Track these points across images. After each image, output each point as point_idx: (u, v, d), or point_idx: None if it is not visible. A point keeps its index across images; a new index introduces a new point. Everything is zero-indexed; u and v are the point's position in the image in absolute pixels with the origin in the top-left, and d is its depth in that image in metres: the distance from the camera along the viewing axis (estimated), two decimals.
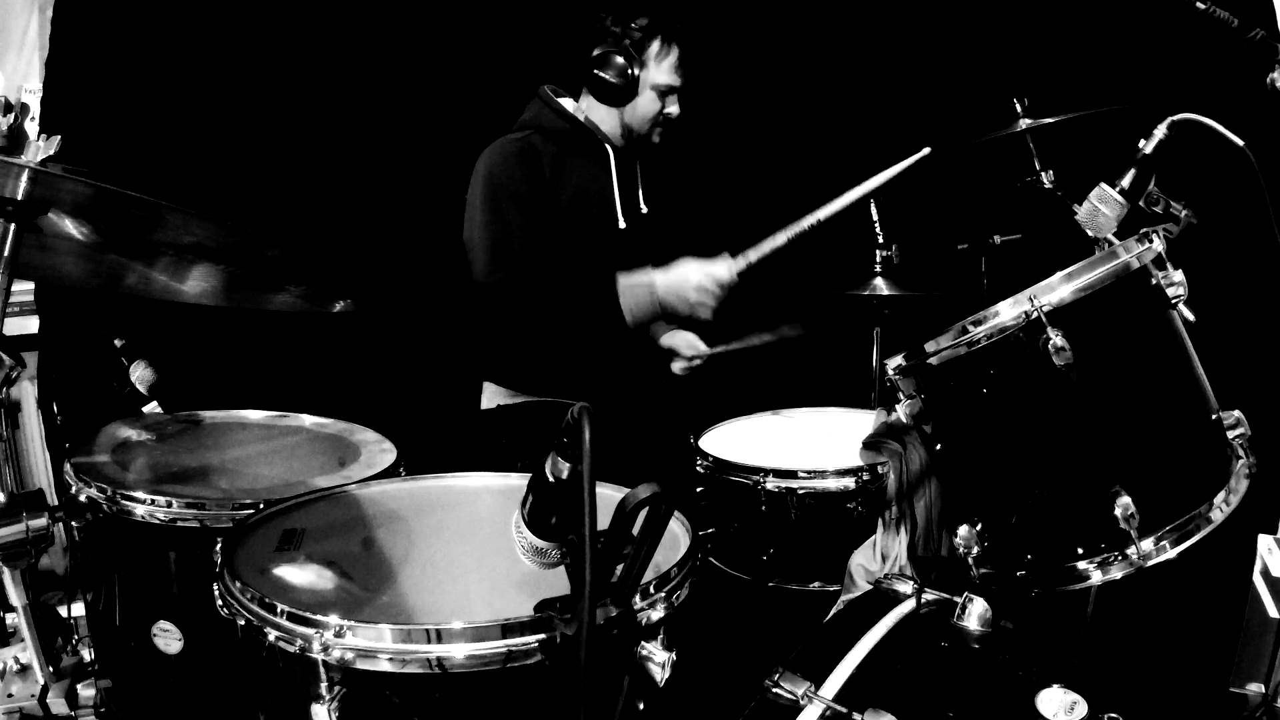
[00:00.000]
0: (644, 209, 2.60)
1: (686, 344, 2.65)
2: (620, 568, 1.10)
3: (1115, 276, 1.51)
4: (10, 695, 1.65)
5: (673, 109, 2.48)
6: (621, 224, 2.51)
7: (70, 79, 2.83)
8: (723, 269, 2.27)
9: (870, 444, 2.01)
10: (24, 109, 1.74)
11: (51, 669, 1.69)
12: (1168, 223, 1.63)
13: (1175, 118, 1.62)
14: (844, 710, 1.27)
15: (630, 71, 2.40)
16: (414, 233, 3.19)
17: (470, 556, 1.54)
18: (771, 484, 2.22)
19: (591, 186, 2.48)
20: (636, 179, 2.61)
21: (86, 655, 1.80)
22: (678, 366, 2.66)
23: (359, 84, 3.18)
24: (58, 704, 1.65)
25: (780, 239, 2.26)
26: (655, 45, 2.42)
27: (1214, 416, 1.56)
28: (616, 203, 2.50)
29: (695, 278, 2.27)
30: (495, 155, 2.40)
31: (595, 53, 2.41)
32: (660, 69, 2.44)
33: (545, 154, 2.42)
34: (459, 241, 2.42)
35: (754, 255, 2.27)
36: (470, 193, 2.40)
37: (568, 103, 2.52)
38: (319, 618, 1.23)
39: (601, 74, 2.42)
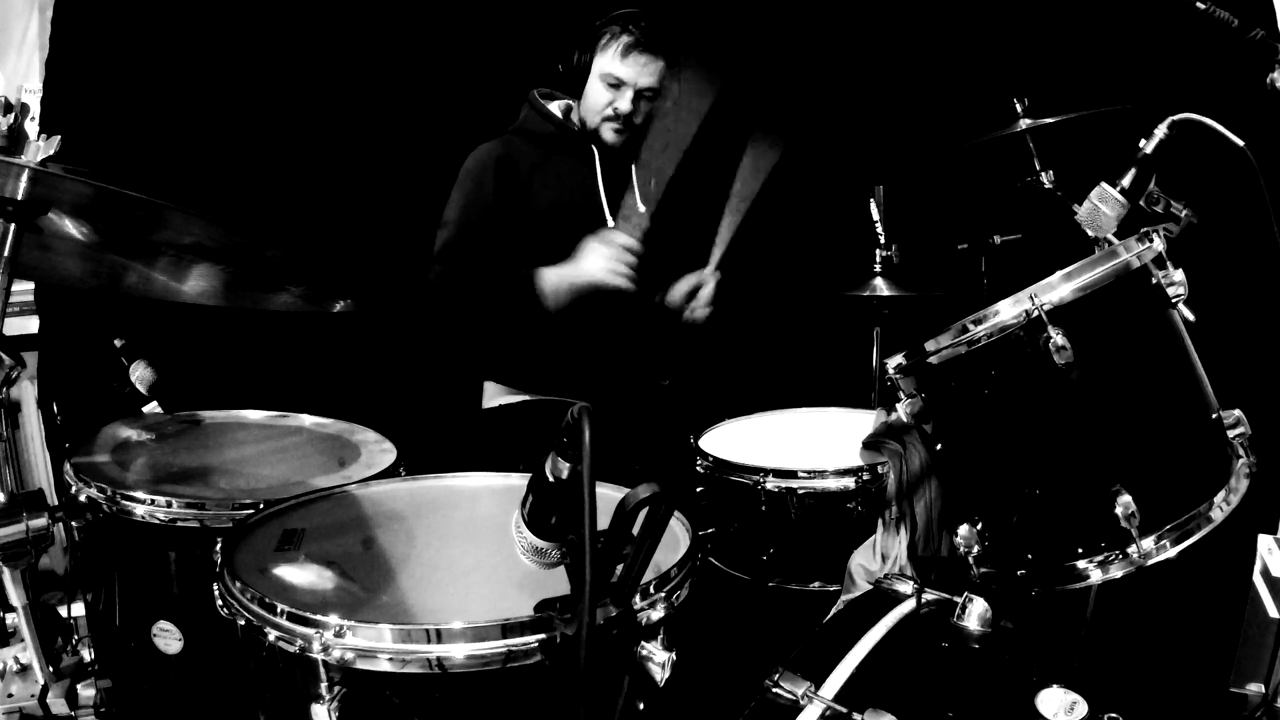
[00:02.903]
0: (640, 208, 2.59)
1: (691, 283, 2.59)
2: (620, 568, 1.10)
3: (1115, 276, 1.51)
4: (10, 695, 1.65)
5: (622, 104, 2.40)
6: (610, 222, 2.50)
7: (70, 79, 2.83)
8: (620, 236, 2.33)
9: (870, 444, 2.01)
10: (24, 109, 1.73)
11: (51, 669, 1.69)
12: (1168, 222, 1.63)
13: (1175, 118, 1.62)
14: (844, 710, 1.27)
15: (574, 58, 2.40)
16: (414, 233, 3.19)
17: (470, 556, 1.54)
18: (771, 484, 2.22)
19: (576, 187, 2.49)
20: (631, 178, 2.60)
21: (86, 655, 1.80)
22: (701, 304, 2.57)
23: (359, 85, 3.18)
24: (58, 704, 1.65)
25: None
26: (607, 33, 2.39)
27: (1214, 416, 1.56)
28: (603, 202, 2.50)
29: (594, 254, 2.31)
30: (471, 162, 2.46)
31: (558, 44, 2.43)
32: (604, 57, 2.39)
33: (523, 159, 2.44)
34: None
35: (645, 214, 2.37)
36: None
37: (558, 105, 2.53)
38: (319, 618, 1.23)
39: (559, 64, 2.44)
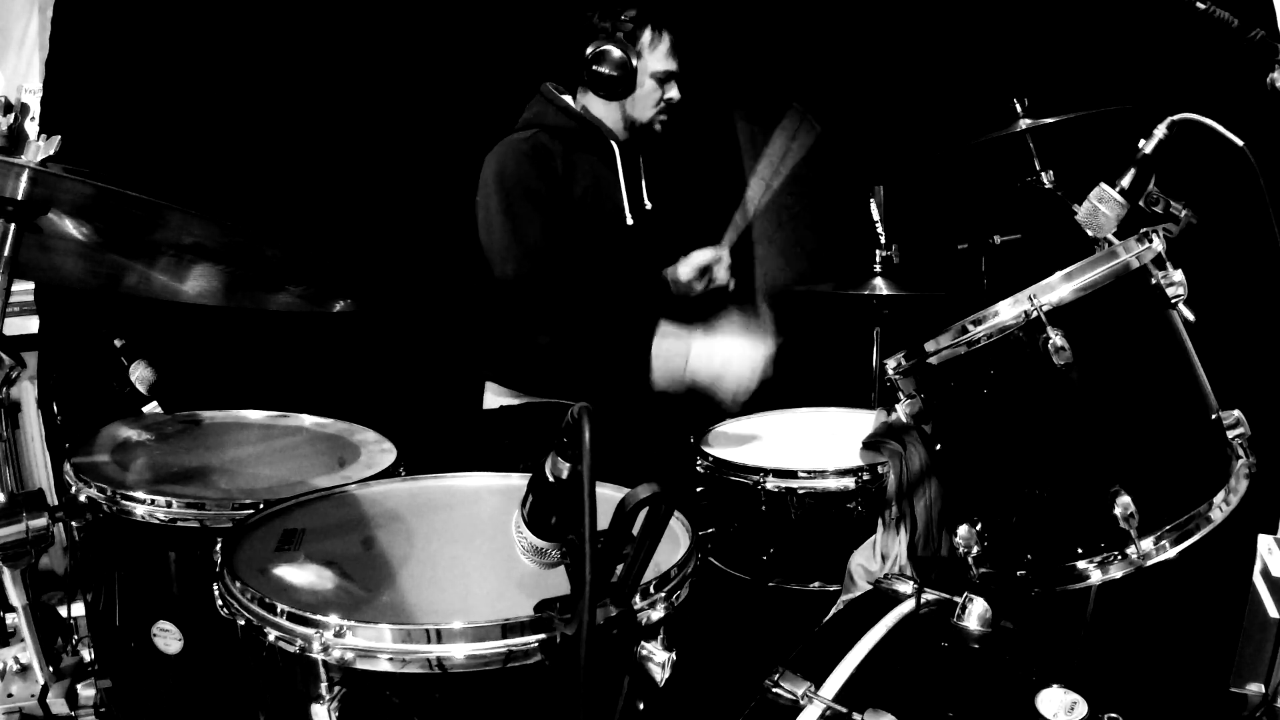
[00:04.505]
0: (648, 204, 2.60)
1: (704, 259, 2.58)
2: (620, 568, 1.10)
3: (1115, 276, 1.51)
4: (10, 695, 1.65)
5: (673, 94, 2.49)
6: (629, 220, 2.50)
7: (70, 79, 2.83)
8: (764, 353, 2.12)
9: (870, 444, 2.01)
10: (24, 109, 1.74)
11: (51, 669, 1.69)
12: (1168, 222, 1.63)
13: (1175, 118, 1.62)
14: (844, 710, 1.27)
15: (630, 64, 2.40)
16: (414, 233, 3.19)
17: (470, 556, 1.54)
18: (771, 484, 2.22)
19: (600, 183, 2.49)
20: (640, 174, 2.61)
21: (86, 655, 1.80)
22: (720, 281, 2.58)
23: (359, 84, 3.17)
24: (58, 704, 1.65)
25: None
26: (647, 34, 2.43)
27: (1214, 416, 1.56)
28: (624, 198, 2.50)
29: (738, 366, 2.12)
30: (506, 155, 2.39)
31: (590, 50, 2.40)
32: (655, 56, 2.44)
33: (554, 151, 2.42)
34: (458, 241, 2.42)
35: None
36: (482, 195, 2.39)
37: (569, 100, 2.52)
38: (319, 618, 1.23)
39: (599, 69, 2.41)
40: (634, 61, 2.41)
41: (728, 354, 2.18)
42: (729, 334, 2.20)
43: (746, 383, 2.14)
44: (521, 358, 2.57)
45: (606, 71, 2.41)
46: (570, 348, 2.44)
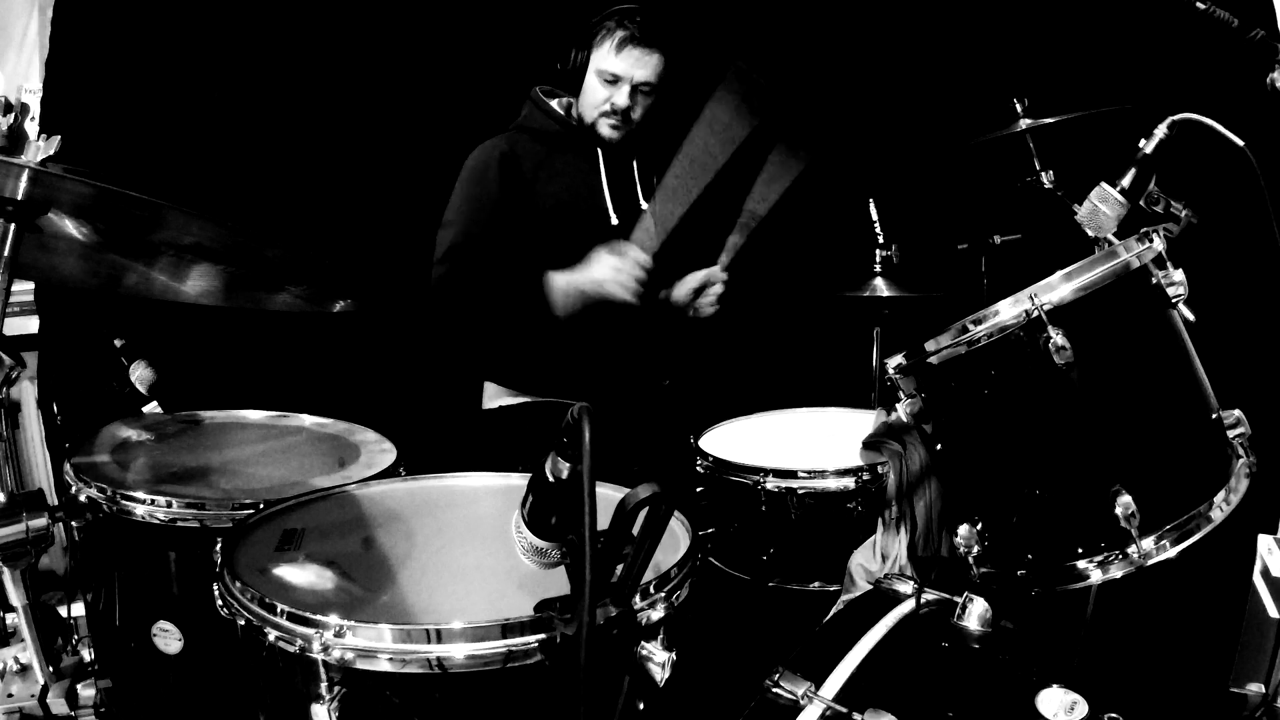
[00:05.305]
0: (643, 205, 2.60)
1: (699, 280, 2.60)
2: (620, 568, 1.10)
3: (1115, 276, 1.51)
4: (10, 695, 1.65)
5: (619, 99, 2.42)
6: (614, 220, 2.51)
7: (70, 79, 2.83)
8: (632, 250, 2.32)
9: (870, 444, 2.01)
10: (24, 109, 1.74)
11: (51, 669, 1.69)
12: (1168, 222, 1.63)
13: (1175, 118, 1.62)
14: (844, 710, 1.27)
15: (572, 55, 2.42)
16: (414, 233, 3.19)
17: (470, 556, 1.54)
18: (771, 484, 2.22)
19: (581, 184, 2.49)
20: (634, 175, 2.60)
21: (86, 655, 1.80)
22: (708, 303, 2.58)
23: (359, 84, 3.18)
24: (58, 704, 1.65)
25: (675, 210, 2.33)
26: (603, 31, 2.42)
27: (1214, 416, 1.56)
28: (607, 199, 2.51)
29: (603, 264, 2.31)
30: (475, 159, 2.46)
31: (557, 42, 2.45)
32: (600, 53, 2.41)
33: (527, 156, 2.44)
34: None
35: (658, 234, 2.34)
36: (454, 194, 2.47)
37: (559, 103, 2.54)
38: (319, 618, 1.23)
39: (558, 63, 2.46)
40: (578, 55, 2.42)
41: (593, 261, 2.33)
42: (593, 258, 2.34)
43: (626, 276, 2.30)
44: (514, 354, 2.58)
45: (558, 65, 2.46)
46: (497, 340, 2.51)
